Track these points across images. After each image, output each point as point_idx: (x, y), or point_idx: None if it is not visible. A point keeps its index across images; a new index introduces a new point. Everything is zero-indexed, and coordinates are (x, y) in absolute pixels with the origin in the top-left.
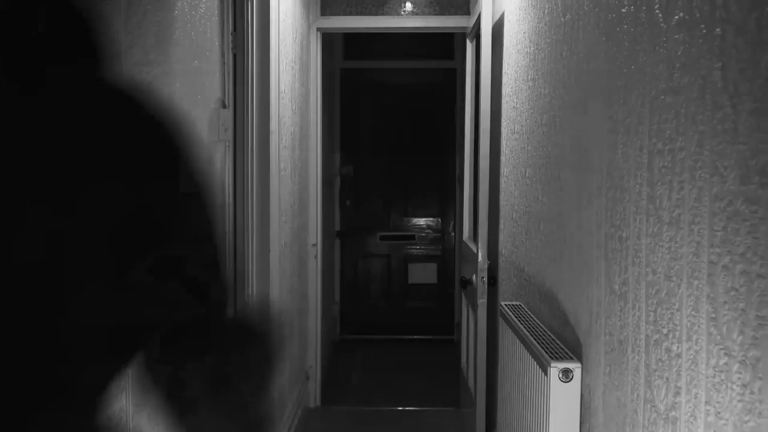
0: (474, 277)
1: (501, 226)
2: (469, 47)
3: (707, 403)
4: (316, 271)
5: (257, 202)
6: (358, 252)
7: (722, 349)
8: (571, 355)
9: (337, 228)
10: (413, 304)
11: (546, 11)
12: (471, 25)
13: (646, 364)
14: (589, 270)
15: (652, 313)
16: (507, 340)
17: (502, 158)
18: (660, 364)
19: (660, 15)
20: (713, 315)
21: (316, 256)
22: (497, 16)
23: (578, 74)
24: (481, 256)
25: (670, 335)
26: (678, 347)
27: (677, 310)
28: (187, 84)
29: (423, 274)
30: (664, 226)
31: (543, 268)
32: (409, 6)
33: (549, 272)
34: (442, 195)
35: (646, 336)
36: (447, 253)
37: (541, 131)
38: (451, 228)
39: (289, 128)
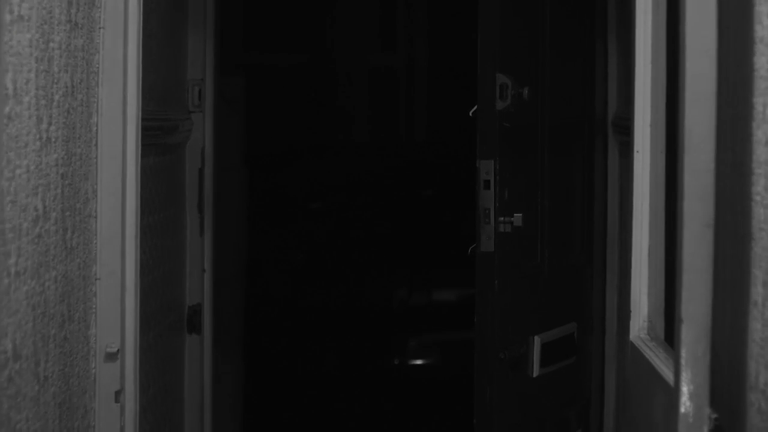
0: None
1: (755, 294)
2: None
3: None
4: None
5: None
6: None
7: None
8: None
9: (191, 301)
10: None
11: None
12: None
13: None
14: None
15: None
16: None
17: (757, 77)
18: None
19: None
20: None
21: (119, 396)
22: None
23: None
24: (691, 393)
25: None
26: None
27: None
28: None
29: None
30: None
31: None
32: None
33: None
34: (563, 194)
35: None
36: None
37: None
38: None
39: None
